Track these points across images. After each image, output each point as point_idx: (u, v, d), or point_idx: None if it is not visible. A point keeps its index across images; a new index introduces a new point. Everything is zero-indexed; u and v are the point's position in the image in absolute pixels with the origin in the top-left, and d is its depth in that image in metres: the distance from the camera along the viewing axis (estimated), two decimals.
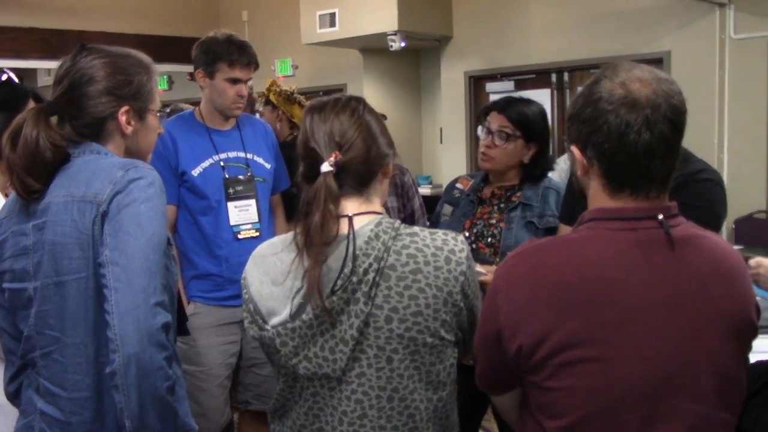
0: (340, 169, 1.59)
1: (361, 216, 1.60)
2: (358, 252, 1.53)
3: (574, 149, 1.46)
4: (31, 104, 2.58)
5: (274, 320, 1.59)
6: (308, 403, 1.63)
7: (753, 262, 2.25)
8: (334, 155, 1.58)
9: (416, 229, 1.62)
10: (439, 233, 1.61)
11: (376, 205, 1.65)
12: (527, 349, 1.38)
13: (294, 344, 1.57)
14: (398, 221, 1.62)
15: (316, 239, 1.54)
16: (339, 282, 1.52)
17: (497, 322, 1.43)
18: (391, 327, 1.53)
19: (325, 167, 1.57)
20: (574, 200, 2.30)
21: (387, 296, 1.53)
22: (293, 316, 1.57)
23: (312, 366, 1.56)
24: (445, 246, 1.58)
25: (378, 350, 1.54)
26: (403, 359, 1.55)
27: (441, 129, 7.86)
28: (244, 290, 1.68)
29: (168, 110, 4.27)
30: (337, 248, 1.56)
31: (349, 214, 1.58)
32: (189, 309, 2.98)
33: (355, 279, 1.52)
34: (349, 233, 1.55)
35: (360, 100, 1.70)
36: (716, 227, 2.23)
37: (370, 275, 1.52)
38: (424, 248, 1.56)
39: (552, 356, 1.36)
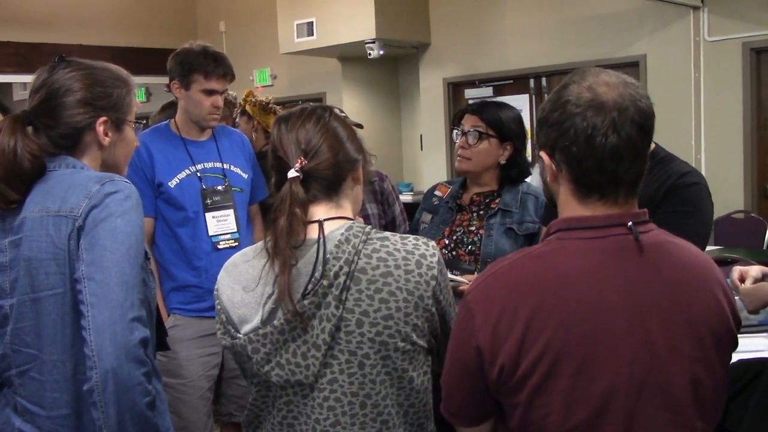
0: (307, 174, 1.60)
1: (332, 221, 1.60)
2: (328, 256, 1.53)
3: (543, 154, 1.45)
4: None
5: (246, 327, 1.58)
6: (282, 413, 1.62)
7: (736, 275, 2.21)
8: (299, 161, 1.60)
9: (387, 234, 1.62)
10: (411, 238, 1.62)
11: (347, 211, 1.65)
12: (508, 368, 1.37)
13: (266, 351, 1.56)
14: (369, 226, 1.62)
15: (283, 243, 1.54)
16: (309, 286, 1.52)
17: (476, 347, 1.40)
18: (362, 331, 1.53)
19: (292, 173, 1.58)
20: (552, 202, 2.31)
21: (358, 300, 1.53)
22: (264, 322, 1.56)
23: (284, 373, 1.56)
24: (416, 250, 1.58)
25: (350, 355, 1.54)
26: (375, 364, 1.55)
27: (421, 136, 7.88)
28: (217, 301, 1.67)
29: (144, 122, 4.25)
30: (308, 252, 1.56)
31: (320, 219, 1.59)
32: (169, 321, 2.97)
33: (325, 282, 1.52)
34: (319, 237, 1.55)
35: (326, 109, 1.71)
36: (708, 230, 2.24)
37: (341, 278, 1.52)
38: (395, 252, 1.56)
39: (532, 373, 1.35)
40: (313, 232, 1.57)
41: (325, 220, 1.59)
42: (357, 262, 1.53)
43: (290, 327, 1.54)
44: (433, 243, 1.63)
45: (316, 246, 1.55)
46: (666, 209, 2.09)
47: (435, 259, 1.59)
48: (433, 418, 1.70)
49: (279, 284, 1.53)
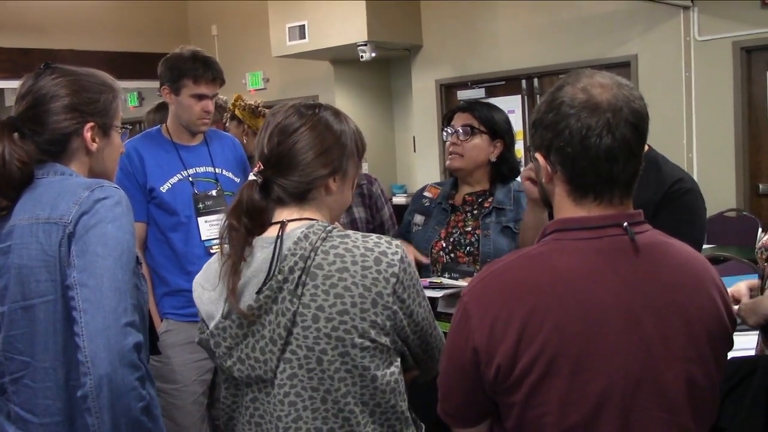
0: (268, 179, 1.61)
1: (295, 221, 1.61)
2: (286, 252, 1.54)
3: (538, 156, 1.46)
4: None
5: (212, 323, 1.61)
6: (249, 411, 1.63)
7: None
8: (258, 165, 1.60)
9: (349, 232, 1.61)
10: (373, 236, 1.61)
11: (316, 215, 1.65)
12: (504, 368, 1.37)
13: (227, 345, 1.59)
14: (332, 225, 1.62)
15: (230, 247, 1.58)
16: (266, 281, 1.53)
17: (472, 349, 1.40)
18: (318, 326, 1.53)
19: (250, 176, 1.60)
20: (547, 203, 2.33)
21: (314, 295, 1.53)
22: (225, 316, 1.58)
23: (245, 368, 1.58)
24: (376, 248, 1.57)
25: (307, 350, 1.54)
26: (333, 360, 1.54)
27: (414, 137, 7.88)
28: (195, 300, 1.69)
29: (130, 127, 4.25)
30: (267, 250, 1.57)
31: (283, 220, 1.60)
32: (162, 326, 2.97)
33: (280, 277, 1.53)
34: (278, 236, 1.56)
35: (320, 111, 1.68)
36: (703, 235, 2.28)
37: (296, 273, 1.52)
38: (354, 249, 1.56)
39: (528, 374, 1.35)
40: (276, 230, 1.59)
41: (289, 220, 1.60)
42: (313, 258, 1.54)
43: (248, 321, 1.56)
44: (397, 242, 1.62)
45: (274, 245, 1.56)
46: (663, 218, 2.10)
47: (397, 257, 1.58)
48: (411, 424, 1.69)
49: (227, 285, 1.56)
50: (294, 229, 1.58)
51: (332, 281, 1.53)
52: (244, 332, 1.57)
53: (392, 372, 1.61)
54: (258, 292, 1.54)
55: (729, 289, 2.21)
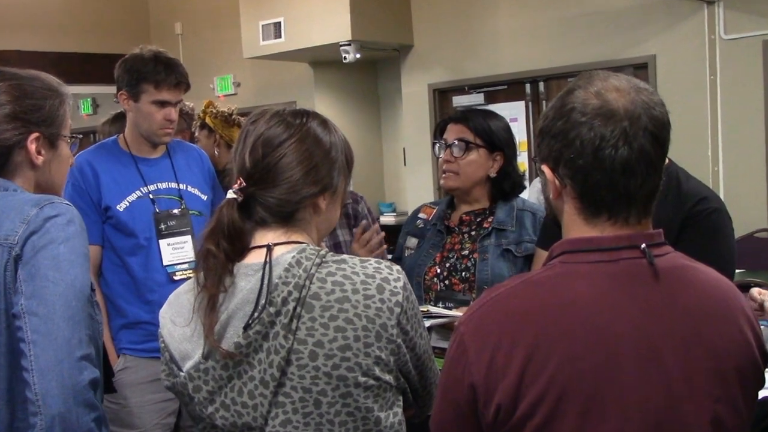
0: (249, 197, 1.60)
1: (283, 245, 1.60)
2: (276, 280, 1.53)
3: (545, 168, 1.46)
4: None
5: (188, 364, 1.58)
6: None
7: (755, 291, 2.27)
8: (239, 181, 1.60)
9: (345, 256, 1.61)
10: (372, 261, 1.61)
11: (304, 237, 1.65)
12: (506, 408, 1.36)
13: (208, 388, 1.56)
14: (325, 249, 1.61)
15: (208, 278, 1.56)
16: (255, 314, 1.51)
17: (469, 384, 1.39)
18: (316, 364, 1.52)
19: (230, 194, 1.59)
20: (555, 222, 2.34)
21: (311, 329, 1.51)
22: (206, 356, 1.55)
23: (230, 415, 1.55)
24: (377, 274, 1.57)
25: (304, 392, 1.53)
26: (333, 403, 1.53)
27: (404, 149, 7.88)
28: (160, 338, 1.66)
29: (80, 137, 4.23)
30: (254, 278, 1.55)
31: (269, 244, 1.58)
32: (119, 363, 2.96)
33: (272, 310, 1.51)
34: (265, 262, 1.55)
35: (307, 120, 1.68)
36: (733, 259, 2.31)
37: (290, 305, 1.51)
38: (353, 276, 1.56)
39: (532, 415, 1.34)
40: (260, 255, 1.57)
41: (275, 244, 1.59)
42: (309, 287, 1.53)
43: (235, 362, 1.53)
44: (398, 267, 1.62)
45: (262, 272, 1.54)
46: (686, 242, 2.11)
47: (400, 284, 1.59)
48: None
49: (204, 322, 1.54)
50: (283, 254, 1.57)
51: (332, 313, 1.52)
52: (229, 374, 1.54)
53: (395, 413, 1.62)
54: (246, 328, 1.51)
55: (757, 288, 2.23)
